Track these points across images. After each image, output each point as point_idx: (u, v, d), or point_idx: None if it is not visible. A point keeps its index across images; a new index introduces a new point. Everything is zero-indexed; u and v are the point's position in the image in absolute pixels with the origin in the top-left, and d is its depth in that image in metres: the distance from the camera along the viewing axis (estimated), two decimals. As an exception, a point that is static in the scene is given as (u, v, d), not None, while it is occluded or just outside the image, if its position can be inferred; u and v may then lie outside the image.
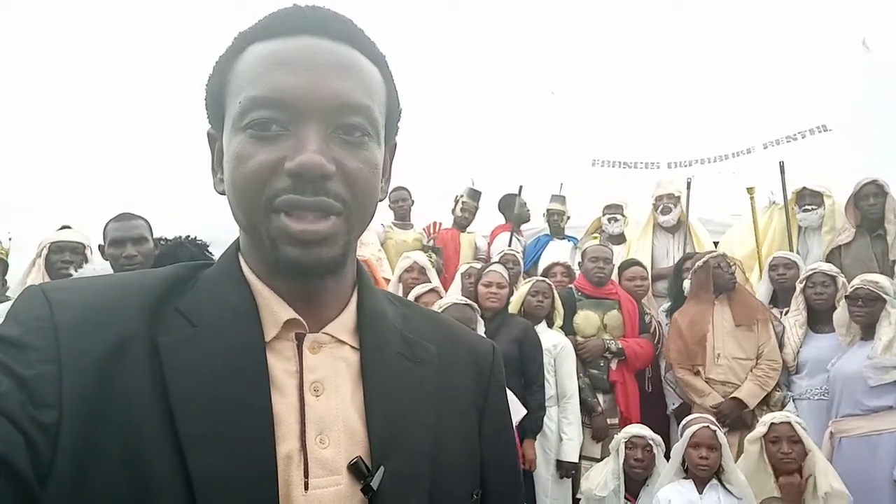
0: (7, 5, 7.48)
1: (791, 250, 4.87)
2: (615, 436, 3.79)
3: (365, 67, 0.78)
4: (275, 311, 0.77)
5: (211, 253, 3.61)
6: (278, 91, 0.72)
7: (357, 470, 0.73)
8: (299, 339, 0.78)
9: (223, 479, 0.66)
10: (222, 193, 0.79)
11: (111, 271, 3.33)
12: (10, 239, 4.16)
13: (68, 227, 3.83)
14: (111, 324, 0.70)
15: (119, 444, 0.65)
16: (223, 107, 0.78)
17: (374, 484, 0.73)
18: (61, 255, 3.66)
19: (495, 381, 0.94)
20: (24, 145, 6.59)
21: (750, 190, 5.22)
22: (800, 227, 5.04)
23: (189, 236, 3.54)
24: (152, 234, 3.50)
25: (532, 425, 3.91)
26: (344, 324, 0.82)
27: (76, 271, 3.66)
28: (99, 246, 3.52)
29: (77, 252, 3.69)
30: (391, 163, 0.91)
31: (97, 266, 3.63)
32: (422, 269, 4.38)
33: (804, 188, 5.04)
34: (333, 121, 0.73)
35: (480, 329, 3.74)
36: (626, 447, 3.62)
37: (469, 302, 3.83)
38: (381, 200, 0.86)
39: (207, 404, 0.69)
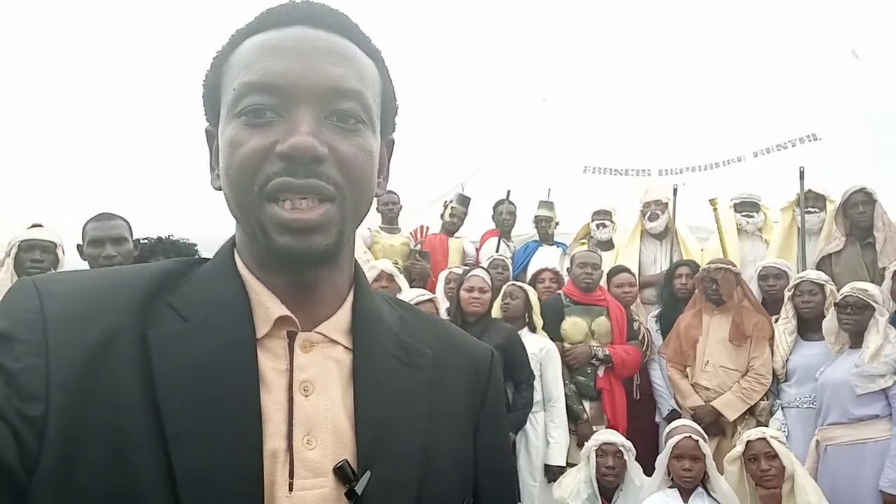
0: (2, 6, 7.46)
1: (802, 255, 4.88)
2: (585, 444, 3.76)
3: (359, 57, 0.78)
4: (267, 307, 0.76)
5: (197, 251, 3.58)
6: (271, 76, 0.72)
7: (343, 473, 0.72)
8: (291, 338, 0.76)
9: (207, 477, 0.65)
10: (219, 189, 0.78)
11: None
12: None
13: (39, 226, 3.75)
14: (101, 316, 0.69)
15: (105, 438, 0.64)
16: (219, 100, 0.78)
17: (359, 489, 0.71)
18: (31, 254, 3.59)
19: (493, 388, 0.93)
20: (9, 145, 6.55)
21: (713, 201, 5.21)
22: (798, 229, 5.04)
23: (168, 235, 3.50)
24: (132, 235, 3.47)
25: (515, 420, 3.89)
26: (338, 323, 0.81)
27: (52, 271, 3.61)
28: (77, 245, 3.48)
29: (48, 251, 3.62)
30: (389, 159, 0.90)
31: (78, 267, 3.58)
32: (390, 277, 4.30)
33: (809, 191, 5.04)
34: (326, 106, 0.73)
35: None
36: (596, 455, 3.59)
37: (432, 297, 3.80)
38: (378, 196, 0.85)
39: (194, 400, 0.68)
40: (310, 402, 0.74)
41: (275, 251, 0.72)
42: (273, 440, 0.70)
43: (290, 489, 0.70)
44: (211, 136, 0.83)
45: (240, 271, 0.78)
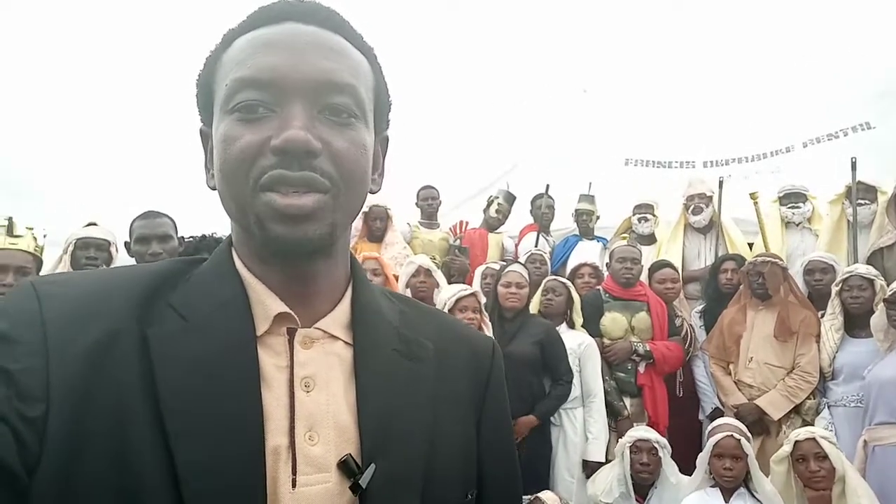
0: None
1: (853, 248, 4.74)
2: (619, 440, 3.72)
3: (351, 52, 0.79)
4: (266, 304, 0.76)
5: None
6: (263, 71, 0.72)
7: (347, 468, 0.72)
8: (291, 334, 0.76)
9: (210, 474, 0.66)
10: (214, 189, 0.79)
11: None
12: (45, 236, 4.24)
13: (94, 224, 3.86)
14: (101, 316, 0.69)
15: (106, 437, 0.64)
16: (212, 99, 0.78)
17: (364, 482, 0.71)
18: (86, 252, 3.70)
19: (495, 379, 0.93)
20: (59, 143, 6.76)
21: (753, 195, 5.07)
22: (848, 223, 4.88)
23: (213, 233, 3.59)
24: (177, 233, 3.57)
25: (543, 408, 3.90)
26: (337, 319, 0.81)
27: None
28: (125, 243, 3.60)
29: (102, 249, 3.73)
30: (384, 157, 0.89)
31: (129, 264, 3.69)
32: (427, 272, 4.28)
33: (859, 182, 4.88)
34: (319, 101, 0.73)
35: (488, 334, 3.71)
36: (630, 451, 3.55)
37: (474, 292, 3.81)
38: (374, 192, 0.85)
39: (195, 398, 0.68)
40: (311, 398, 0.74)
41: (270, 242, 0.72)
42: (275, 437, 0.71)
43: (294, 485, 0.70)
44: (205, 137, 0.83)
45: (238, 269, 0.79)
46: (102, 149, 6.79)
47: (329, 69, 0.74)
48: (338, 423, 0.75)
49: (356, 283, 0.85)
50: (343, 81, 0.75)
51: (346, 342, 0.80)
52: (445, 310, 3.57)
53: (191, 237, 3.69)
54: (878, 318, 3.66)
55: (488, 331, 3.76)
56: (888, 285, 3.75)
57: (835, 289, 4.03)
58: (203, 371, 0.69)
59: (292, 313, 0.77)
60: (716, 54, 7.62)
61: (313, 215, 0.72)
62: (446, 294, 3.79)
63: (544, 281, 4.34)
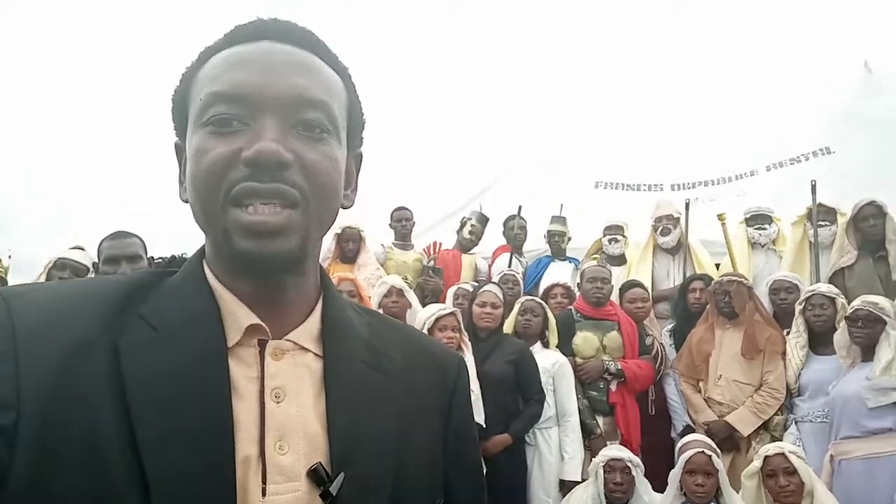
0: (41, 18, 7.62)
1: (815, 269, 4.85)
2: (592, 459, 3.74)
3: (325, 70, 0.80)
4: (237, 316, 0.76)
5: None
6: (237, 86, 0.73)
7: (317, 476, 0.73)
8: (262, 346, 0.77)
9: (180, 484, 0.66)
10: (186, 202, 0.79)
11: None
12: (9, 257, 4.19)
13: (80, 248, 3.82)
14: (71, 326, 0.70)
15: (77, 447, 0.64)
16: (187, 114, 0.79)
17: (333, 490, 0.72)
18: (61, 273, 3.65)
19: (460, 392, 0.95)
20: (29, 164, 6.67)
21: (721, 217, 5.20)
22: (810, 244, 5.01)
23: (182, 254, 3.57)
24: (146, 253, 3.54)
25: (518, 426, 3.89)
26: (307, 331, 0.82)
27: None
28: (93, 263, 3.55)
29: (79, 273, 3.67)
30: (357, 173, 0.91)
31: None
32: (399, 292, 4.30)
33: (820, 204, 5.02)
34: (292, 116, 0.74)
35: (468, 353, 3.73)
36: (604, 471, 3.55)
37: (453, 311, 3.83)
38: (346, 208, 0.86)
39: (166, 408, 0.68)
40: (281, 409, 0.75)
41: (237, 256, 0.73)
42: (245, 447, 0.71)
43: (264, 494, 0.71)
44: (179, 151, 0.84)
45: (209, 281, 0.79)
46: (74, 172, 6.72)
47: (302, 85, 0.75)
48: (307, 433, 0.75)
49: (326, 296, 0.86)
50: (316, 97, 0.76)
51: (316, 354, 0.81)
52: (425, 329, 3.57)
53: (160, 258, 3.66)
54: (841, 336, 3.76)
55: (468, 350, 3.77)
56: (849, 303, 3.86)
57: (798, 307, 4.13)
58: (174, 381, 0.70)
59: (263, 325, 0.77)
60: (683, 83, 7.85)
61: (283, 230, 0.72)
62: (426, 313, 3.79)
63: (521, 301, 4.36)
